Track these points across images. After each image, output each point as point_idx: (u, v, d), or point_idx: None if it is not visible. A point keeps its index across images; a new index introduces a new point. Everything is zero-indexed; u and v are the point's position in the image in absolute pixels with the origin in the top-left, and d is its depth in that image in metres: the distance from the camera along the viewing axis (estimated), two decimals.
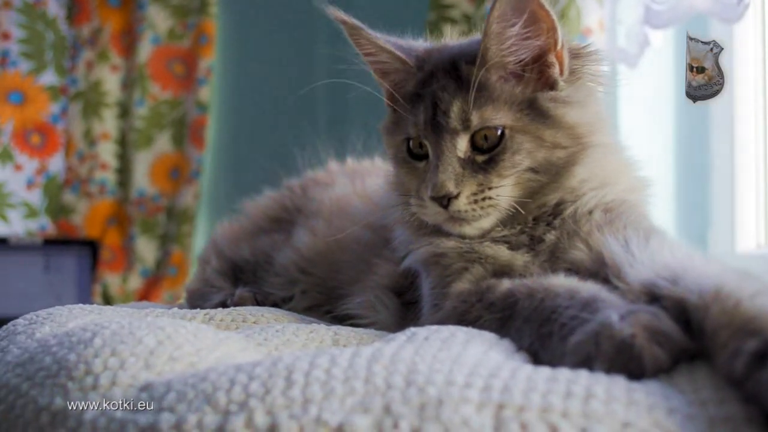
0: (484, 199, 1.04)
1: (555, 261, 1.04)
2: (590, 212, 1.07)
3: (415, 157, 1.10)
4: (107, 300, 3.01)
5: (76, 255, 2.99)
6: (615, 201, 1.08)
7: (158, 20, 3.09)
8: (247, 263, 1.45)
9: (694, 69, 1.15)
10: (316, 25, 2.88)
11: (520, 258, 1.06)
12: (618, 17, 2.13)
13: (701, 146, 2.21)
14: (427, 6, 2.35)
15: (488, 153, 1.05)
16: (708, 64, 1.13)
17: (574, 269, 1.00)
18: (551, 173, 1.06)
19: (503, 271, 1.05)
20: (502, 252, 1.07)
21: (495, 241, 1.07)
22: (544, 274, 1.00)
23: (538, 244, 1.07)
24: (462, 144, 1.05)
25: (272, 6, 3.00)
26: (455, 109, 1.05)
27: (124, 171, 3.14)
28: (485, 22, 1.03)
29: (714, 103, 2.13)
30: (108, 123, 3.13)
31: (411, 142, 1.10)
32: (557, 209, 1.08)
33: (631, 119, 2.18)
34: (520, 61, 1.06)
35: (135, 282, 3.03)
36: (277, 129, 2.95)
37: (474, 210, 1.04)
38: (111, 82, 3.14)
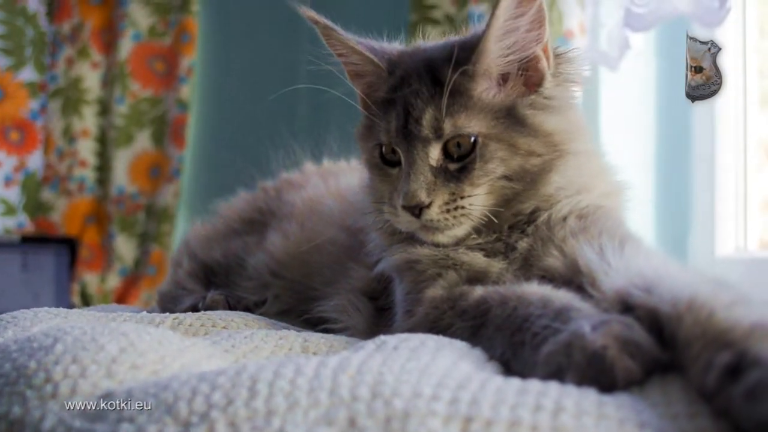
0: (456, 208, 1.02)
1: (529, 268, 1.03)
2: (564, 218, 1.05)
3: (387, 163, 1.09)
4: (85, 299, 2.98)
5: (54, 253, 2.95)
6: (590, 207, 1.06)
7: (139, 17, 3.06)
8: (219, 266, 1.43)
9: (693, 69, 1.15)
10: (299, 24, 2.82)
11: (495, 265, 1.04)
12: (599, 20, 2.13)
13: (682, 150, 2.21)
14: (408, 7, 2.33)
15: (460, 161, 1.03)
16: (706, 63, 1.13)
17: (549, 276, 0.99)
18: (526, 181, 1.04)
19: (478, 278, 1.04)
20: (478, 259, 1.05)
21: (470, 248, 1.06)
22: (518, 282, 0.98)
23: (511, 252, 1.05)
24: (434, 152, 1.03)
25: (254, 5, 2.97)
26: (427, 117, 1.03)
27: (103, 169, 3.10)
28: (490, 14, 1.00)
29: (695, 107, 2.15)
30: (88, 120, 3.09)
31: (383, 148, 1.08)
32: (531, 216, 1.06)
33: (612, 123, 2.17)
34: (515, 58, 1.04)
35: (113, 281, 3.00)
36: (258, 128, 2.92)
37: (446, 219, 1.02)
38: (91, 79, 3.11)
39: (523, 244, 1.05)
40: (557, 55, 1.07)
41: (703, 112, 2.13)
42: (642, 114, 2.23)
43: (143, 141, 3.07)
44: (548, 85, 1.05)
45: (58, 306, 1.15)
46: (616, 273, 0.89)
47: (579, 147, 1.07)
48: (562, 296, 0.87)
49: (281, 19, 2.88)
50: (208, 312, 1.15)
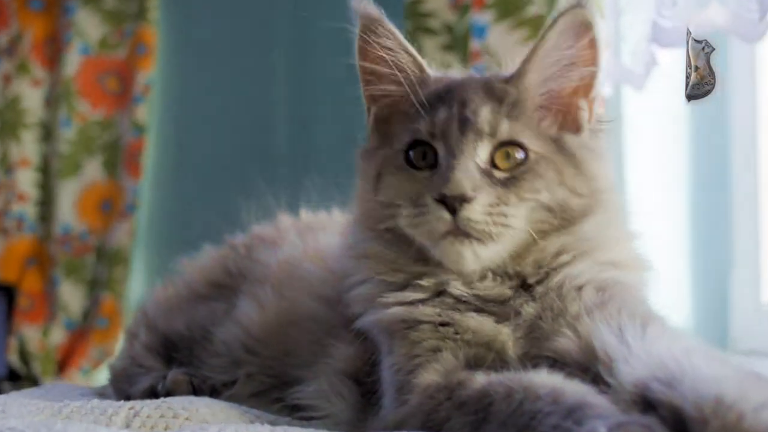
0: (499, 214, 1.07)
1: (535, 342, 1.07)
2: (580, 288, 1.09)
3: (415, 167, 1.14)
4: (24, 357, 2.98)
5: None
6: (610, 280, 1.11)
7: (89, 27, 3.08)
8: (181, 339, 1.45)
9: (696, 68, 1.24)
10: (275, 33, 2.89)
11: (503, 332, 1.08)
12: (622, 33, 2.16)
13: (720, 179, 2.24)
14: (402, 14, 2.37)
15: (508, 172, 1.10)
16: (700, 63, 1.20)
17: (560, 359, 1.02)
18: (564, 218, 1.12)
19: (480, 353, 1.07)
20: (487, 325, 1.09)
21: (479, 307, 1.10)
22: (522, 352, 1.04)
23: (515, 317, 1.09)
24: (483, 152, 1.10)
25: (223, 11, 3.00)
26: (485, 111, 1.11)
27: (46, 203, 3.12)
28: (538, 38, 1.12)
29: (735, 132, 2.18)
30: (28, 147, 3.11)
31: (413, 152, 1.14)
32: (540, 271, 1.11)
33: (638, 150, 2.21)
34: (555, 92, 1.15)
35: (58, 335, 3.01)
36: (228, 156, 2.95)
37: (486, 223, 1.06)
38: (32, 98, 3.13)
39: (529, 310, 1.09)
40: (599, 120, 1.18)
41: (744, 138, 2.17)
42: (673, 141, 2.27)
43: (93, 170, 3.08)
44: (586, 135, 1.16)
45: None
46: (636, 361, 0.93)
47: (612, 200, 1.17)
48: (575, 389, 0.90)
49: (254, 27, 2.92)
50: (169, 399, 1.17)
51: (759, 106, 2.14)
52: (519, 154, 1.11)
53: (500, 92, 1.13)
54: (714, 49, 1.20)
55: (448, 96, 1.14)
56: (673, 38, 1.95)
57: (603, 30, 2.10)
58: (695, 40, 1.23)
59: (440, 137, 1.12)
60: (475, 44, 2.15)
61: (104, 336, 2.96)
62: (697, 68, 1.21)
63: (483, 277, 1.12)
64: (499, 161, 1.10)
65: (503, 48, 2.11)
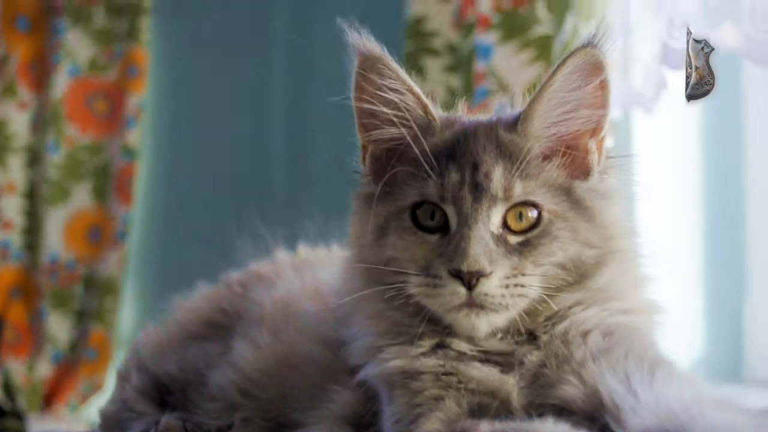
0: (516, 285, 1.08)
1: (539, 390, 1.07)
2: (586, 334, 1.10)
3: (422, 228, 1.13)
4: (9, 392, 2.98)
5: None
6: (618, 324, 1.12)
7: (78, 48, 3.08)
8: (174, 381, 1.44)
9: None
10: (272, 56, 2.91)
11: (509, 382, 1.09)
12: (632, 53, 2.18)
13: (735, 205, 2.25)
14: (403, 34, 2.39)
15: (522, 235, 1.10)
16: (699, 63, 1.22)
17: (566, 407, 1.03)
18: (578, 273, 1.12)
19: (485, 402, 1.07)
20: (492, 375, 1.10)
21: (485, 359, 1.11)
22: (525, 401, 1.04)
23: (519, 366, 1.10)
24: (496, 217, 1.10)
25: (218, 32, 3.01)
26: (498, 174, 1.11)
27: (32, 231, 3.11)
28: (545, 78, 1.12)
29: (750, 159, 2.20)
30: (14, 172, 3.11)
31: (419, 211, 1.13)
32: (549, 323, 1.12)
33: (648, 175, 2.22)
34: (563, 135, 1.15)
35: (44, 369, 3.00)
36: (223, 183, 2.96)
37: (503, 297, 1.07)
38: (18, 122, 3.12)
39: (532, 358, 1.10)
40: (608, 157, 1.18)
41: (759, 164, 2.19)
42: (685, 165, 2.28)
43: (82, 197, 3.08)
44: (595, 179, 1.16)
45: None
46: (644, 409, 0.94)
47: (625, 246, 1.17)
48: None
49: (251, 51, 2.93)
50: None
51: None
52: (532, 213, 1.11)
53: (510, 146, 1.13)
54: (713, 49, 1.22)
55: (457, 153, 1.13)
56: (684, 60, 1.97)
57: (612, 51, 2.13)
58: (695, 40, 1.25)
59: (451, 202, 1.11)
60: (479, 65, 2.16)
61: (93, 369, 2.96)
62: (696, 68, 1.23)
63: (491, 336, 1.12)
64: (511, 222, 1.11)
65: (509, 70, 2.12)
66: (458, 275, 1.07)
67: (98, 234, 3.09)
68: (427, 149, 1.14)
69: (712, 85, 1.20)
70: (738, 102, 2.19)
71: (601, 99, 1.15)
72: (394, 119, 1.16)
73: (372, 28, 1.18)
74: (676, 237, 2.26)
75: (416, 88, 1.17)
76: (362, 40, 1.15)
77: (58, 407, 2.97)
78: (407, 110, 1.16)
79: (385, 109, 1.16)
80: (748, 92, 2.20)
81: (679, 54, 1.96)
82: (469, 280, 1.07)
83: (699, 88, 1.22)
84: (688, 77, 1.23)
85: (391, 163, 1.18)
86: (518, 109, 1.19)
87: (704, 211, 2.29)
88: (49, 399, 3.00)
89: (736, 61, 2.06)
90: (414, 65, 2.32)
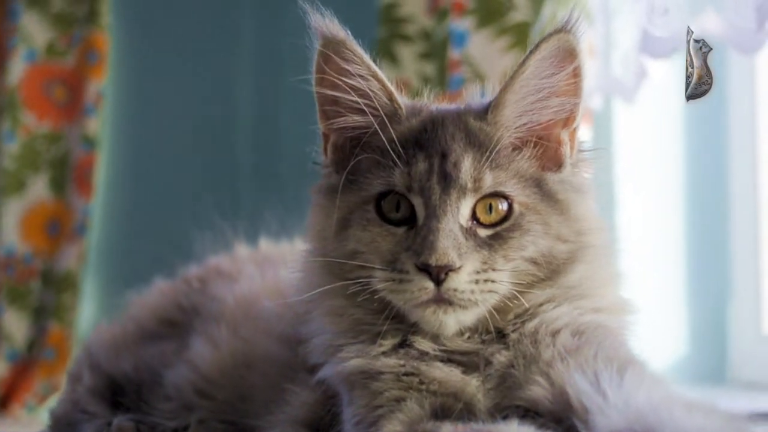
0: (486, 281, 1.08)
1: (506, 392, 1.07)
2: (556, 333, 1.10)
3: (388, 220, 1.13)
4: None
5: None
6: (589, 323, 1.13)
7: (35, 31, 3.05)
8: (128, 381, 1.44)
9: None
10: (239, 41, 2.90)
11: (472, 383, 1.09)
12: (612, 40, 2.18)
13: (719, 205, 2.27)
14: (375, 20, 2.38)
15: (491, 228, 1.10)
16: (698, 62, 1.23)
17: (532, 408, 1.03)
18: (550, 269, 1.13)
19: (448, 403, 1.07)
20: (454, 375, 1.10)
21: (448, 359, 1.11)
22: (491, 407, 1.05)
23: (486, 367, 1.10)
24: (466, 208, 1.10)
25: (182, 15, 3.00)
26: (467, 164, 1.10)
27: None
28: (518, 65, 1.12)
29: (734, 154, 2.21)
30: None
31: (385, 202, 1.13)
32: (519, 321, 1.13)
33: (629, 166, 2.23)
34: (535, 125, 1.15)
35: (0, 368, 2.99)
36: (187, 174, 2.95)
37: (473, 292, 1.07)
38: None
39: (501, 359, 1.11)
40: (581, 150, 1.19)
41: (743, 158, 2.20)
42: (667, 156, 2.29)
43: (39, 188, 3.05)
44: (568, 171, 1.17)
45: None
46: (612, 411, 0.94)
47: (598, 240, 1.18)
48: None
49: (216, 35, 2.92)
50: None
51: (759, 121, 2.16)
52: (502, 205, 1.11)
53: (480, 135, 1.13)
54: (711, 48, 1.25)
55: (425, 141, 1.13)
56: (665, 48, 1.97)
57: (591, 37, 2.14)
58: (694, 39, 1.27)
59: (418, 192, 1.11)
60: (454, 53, 2.16)
61: (51, 368, 2.94)
62: (695, 68, 1.25)
63: (457, 335, 1.13)
64: (481, 214, 1.11)
65: (485, 57, 2.12)
66: (426, 269, 1.07)
67: (56, 227, 3.07)
68: (394, 137, 1.13)
69: (710, 84, 1.22)
70: (722, 92, 2.21)
71: (574, 87, 1.15)
72: (358, 106, 1.16)
73: (342, 13, 1.18)
74: (658, 235, 2.28)
75: (381, 74, 1.17)
76: (325, 23, 1.15)
77: (14, 408, 2.95)
78: (372, 97, 1.16)
79: (348, 96, 1.16)
80: (732, 82, 2.21)
81: (659, 42, 1.98)
82: (438, 274, 1.07)
83: (698, 87, 1.24)
84: (689, 77, 1.24)
85: (354, 152, 1.18)
86: (489, 97, 1.19)
87: (687, 207, 2.30)
88: (4, 400, 2.98)
89: (719, 50, 2.06)
90: (387, 52, 2.32)
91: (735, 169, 2.22)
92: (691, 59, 1.20)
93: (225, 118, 2.92)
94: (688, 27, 1.26)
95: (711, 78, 1.23)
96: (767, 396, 1.97)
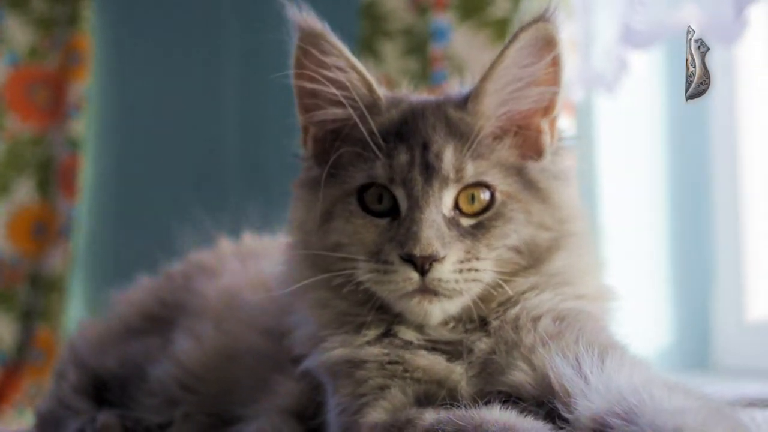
0: (470, 270, 1.08)
1: (488, 378, 1.08)
2: (537, 319, 1.11)
3: (371, 212, 1.13)
4: None
5: None
6: (571, 310, 1.13)
7: (17, 34, 3.04)
8: (113, 377, 1.45)
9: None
10: (222, 40, 2.90)
11: (456, 371, 1.10)
12: (593, 33, 2.19)
13: (701, 194, 2.27)
14: (357, 16, 2.38)
15: (474, 217, 1.10)
16: (697, 62, 1.24)
17: (515, 394, 1.04)
18: (533, 257, 1.13)
19: (432, 390, 1.08)
20: (438, 364, 1.10)
21: (432, 348, 1.11)
22: (474, 391, 1.05)
23: (468, 354, 1.10)
24: (448, 198, 1.11)
25: (165, 14, 2.99)
26: (449, 154, 1.11)
27: None
28: (497, 54, 1.12)
29: (715, 143, 2.22)
30: None
31: (367, 194, 1.14)
32: (501, 309, 1.13)
33: (611, 159, 2.23)
34: (515, 114, 1.16)
35: None
36: (172, 174, 2.94)
37: (457, 282, 1.08)
38: None
39: (482, 346, 1.11)
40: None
41: (724, 149, 2.20)
42: (649, 147, 2.30)
43: (24, 191, 3.05)
44: (548, 159, 1.18)
45: None
46: (593, 393, 0.95)
47: (579, 228, 1.19)
48: (529, 426, 0.93)
49: (200, 35, 2.92)
50: None
51: (739, 110, 2.17)
52: (484, 195, 1.12)
53: (461, 125, 1.13)
54: (709, 48, 1.25)
55: (405, 132, 1.14)
56: (645, 39, 1.98)
57: (572, 30, 2.15)
58: (694, 40, 1.29)
59: (400, 184, 1.11)
60: (436, 48, 2.17)
61: (40, 371, 2.93)
62: (694, 67, 1.26)
63: (442, 324, 1.13)
64: (463, 204, 1.11)
65: (467, 52, 2.13)
66: (410, 260, 1.07)
67: (43, 230, 3.06)
68: (374, 129, 1.14)
69: (708, 84, 1.22)
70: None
71: (553, 76, 1.15)
72: (338, 98, 1.16)
73: (323, 10, 1.18)
74: (640, 225, 2.28)
75: (360, 66, 1.17)
76: (302, 16, 1.15)
77: (4, 410, 2.94)
78: (351, 88, 1.16)
79: (327, 88, 1.16)
80: (713, 74, 2.21)
81: (639, 33, 1.98)
82: (422, 264, 1.07)
83: (697, 87, 1.25)
84: (689, 77, 1.24)
85: (335, 144, 1.18)
86: (468, 87, 1.19)
87: (669, 197, 2.31)
88: None
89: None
90: (369, 49, 2.32)
91: (716, 158, 2.23)
92: (692, 58, 1.20)
93: (210, 118, 2.91)
94: (689, 26, 1.26)
95: (709, 78, 1.23)
96: (750, 383, 1.97)
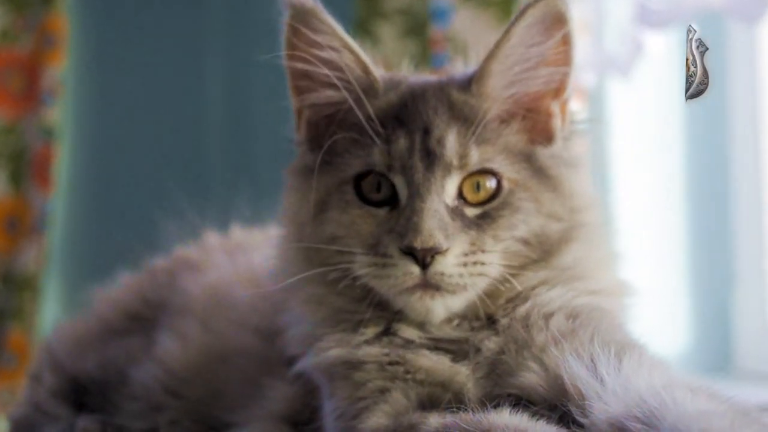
0: (475, 263, 1.08)
1: (497, 379, 1.07)
2: (549, 316, 1.10)
3: (368, 202, 1.13)
4: None
5: None
6: (585, 306, 1.12)
7: None
8: (92, 381, 1.44)
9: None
10: (207, 22, 2.89)
11: (462, 372, 1.09)
12: (605, 14, 2.19)
13: (720, 184, 2.27)
14: None
15: (479, 207, 1.10)
16: (696, 62, 1.24)
17: (525, 396, 1.03)
18: (543, 249, 1.13)
19: (436, 393, 1.07)
20: (442, 364, 1.10)
21: (435, 347, 1.10)
22: (482, 394, 1.05)
23: (475, 354, 1.10)
24: (452, 187, 1.10)
25: None
26: (452, 139, 1.10)
27: None
28: (503, 32, 1.11)
29: (736, 130, 2.21)
30: None
31: (364, 183, 1.13)
32: (510, 305, 1.12)
33: (624, 147, 2.23)
34: (522, 96, 1.15)
35: None
36: (154, 165, 2.94)
37: (461, 276, 1.07)
38: None
39: (490, 345, 1.10)
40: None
41: (744, 141, 2.20)
42: (666, 136, 2.29)
43: None
44: (559, 144, 1.17)
45: None
46: (610, 396, 0.94)
47: (593, 218, 1.18)
48: (541, 430, 0.91)
49: (183, 16, 2.91)
50: None
51: (761, 97, 2.16)
52: (490, 183, 1.11)
53: (464, 108, 1.12)
54: (708, 48, 1.25)
55: (405, 116, 1.13)
56: (663, 19, 1.98)
57: (583, 10, 2.14)
58: (693, 39, 1.30)
59: (400, 171, 1.10)
60: (436, 29, 2.17)
61: (12, 375, 2.92)
62: (695, 67, 1.27)
63: (446, 322, 1.12)
64: (468, 192, 1.11)
65: (470, 33, 2.12)
66: (411, 253, 1.06)
67: (15, 224, 3.05)
68: (371, 113, 1.12)
69: (707, 85, 1.23)
70: (723, 65, 2.20)
71: (564, 55, 1.14)
72: (331, 80, 1.15)
73: None
74: (657, 222, 2.28)
75: (354, 45, 1.16)
76: None
77: None
78: (345, 69, 1.15)
79: (320, 69, 1.15)
80: (733, 55, 2.21)
81: (657, 14, 1.98)
82: (423, 257, 1.06)
83: (698, 87, 1.25)
84: (690, 76, 1.24)
85: (330, 129, 1.17)
86: (473, 67, 1.18)
87: (688, 192, 2.30)
88: None
89: (719, 22, 2.07)
90: (365, 30, 2.32)
91: (737, 145, 2.22)
92: (693, 58, 1.20)
93: (194, 102, 2.91)
94: (690, 26, 1.26)
95: (707, 78, 1.24)
96: None
